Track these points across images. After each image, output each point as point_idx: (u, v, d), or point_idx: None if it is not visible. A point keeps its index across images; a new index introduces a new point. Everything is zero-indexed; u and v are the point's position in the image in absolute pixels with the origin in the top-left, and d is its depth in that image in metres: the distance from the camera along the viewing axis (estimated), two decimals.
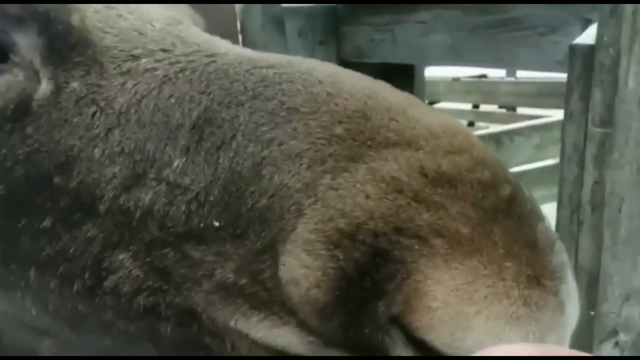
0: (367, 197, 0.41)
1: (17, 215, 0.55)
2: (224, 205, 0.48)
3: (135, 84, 0.54)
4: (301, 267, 0.43)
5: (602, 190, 0.86)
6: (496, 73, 9.32)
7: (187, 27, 0.60)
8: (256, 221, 0.47)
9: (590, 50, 0.84)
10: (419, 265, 0.39)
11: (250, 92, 0.50)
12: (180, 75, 0.54)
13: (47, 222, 0.54)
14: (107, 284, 0.54)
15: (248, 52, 0.56)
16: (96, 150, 0.53)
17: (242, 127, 0.49)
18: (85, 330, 0.60)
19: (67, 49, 0.56)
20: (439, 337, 0.38)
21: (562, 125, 0.90)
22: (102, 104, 0.54)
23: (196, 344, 0.54)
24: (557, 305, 0.40)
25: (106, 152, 0.53)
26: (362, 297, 0.41)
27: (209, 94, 0.52)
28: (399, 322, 0.40)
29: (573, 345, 1.01)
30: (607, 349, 0.95)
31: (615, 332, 0.94)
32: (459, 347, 0.38)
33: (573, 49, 0.86)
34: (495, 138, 2.31)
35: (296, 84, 0.49)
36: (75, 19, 0.57)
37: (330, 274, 0.41)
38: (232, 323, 0.49)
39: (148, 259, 0.52)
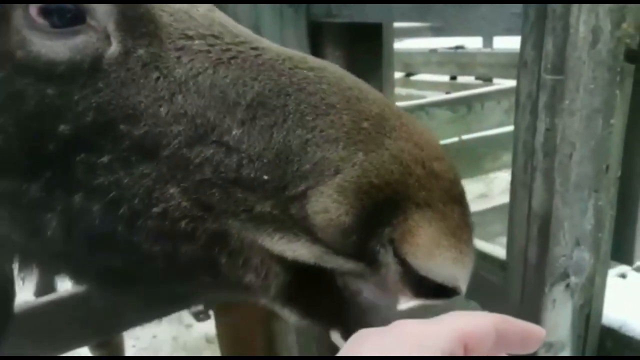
0: (392, 172, 0.61)
1: (77, 150, 0.64)
2: (274, 166, 0.62)
3: (191, 60, 0.65)
4: (333, 202, 0.60)
5: (554, 137, 0.88)
6: (473, 44, 9.32)
7: (220, 14, 0.72)
8: (298, 178, 0.62)
9: None
10: (415, 218, 0.60)
11: (296, 86, 0.64)
12: (232, 61, 0.66)
13: (105, 159, 0.64)
14: (156, 210, 0.65)
15: (285, 50, 0.70)
16: (162, 109, 0.64)
17: (291, 115, 0.63)
18: (103, 250, 0.69)
19: (135, 20, 0.65)
20: (416, 260, 0.59)
21: (517, 74, 0.92)
22: (164, 71, 0.65)
23: (210, 262, 0.67)
24: (471, 248, 0.63)
25: (171, 112, 0.64)
26: (375, 224, 0.60)
27: (260, 81, 0.64)
28: (394, 245, 0.60)
29: (527, 287, 1.06)
30: (558, 291, 0.99)
31: (566, 275, 0.98)
32: (426, 269, 0.60)
33: None
34: (467, 102, 2.33)
35: (333, 87, 0.65)
36: None
37: (356, 207, 0.60)
38: (259, 241, 0.65)
39: (195, 196, 0.64)
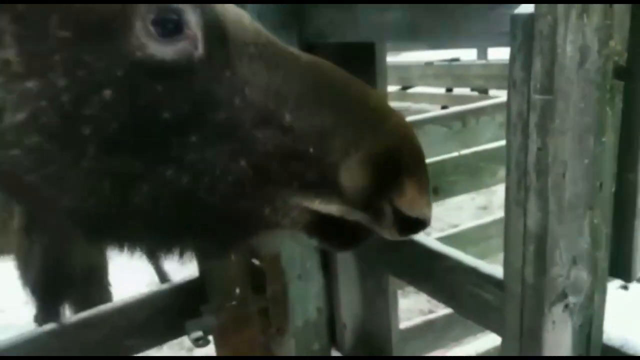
0: (391, 146, 0.91)
1: (174, 133, 0.82)
2: (316, 142, 0.87)
3: (249, 63, 0.86)
4: (357, 171, 0.89)
5: (546, 156, 0.88)
6: (468, 56, 9.36)
7: (258, 24, 0.95)
8: (332, 151, 0.88)
9: (531, 18, 0.85)
10: (405, 183, 0.91)
11: (326, 84, 0.92)
12: (281, 65, 0.89)
13: (194, 139, 0.83)
14: (230, 178, 0.85)
15: (313, 57, 0.96)
16: (236, 100, 0.85)
17: (324, 105, 0.89)
18: (182, 209, 0.87)
19: (214, 30, 0.84)
20: (406, 208, 0.91)
21: (507, 94, 0.91)
22: (233, 71, 0.85)
23: (258, 212, 0.91)
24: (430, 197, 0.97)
25: (242, 102, 0.85)
26: (382, 187, 0.90)
27: (302, 80, 0.90)
28: (390, 200, 0.92)
29: (526, 307, 1.06)
30: (557, 311, 0.98)
31: (564, 295, 0.97)
32: (411, 212, 0.92)
33: (514, 18, 0.88)
34: (462, 118, 2.33)
35: (349, 85, 0.95)
36: (218, 9, 0.87)
37: (371, 174, 0.89)
38: (302, 203, 0.91)
39: (260, 167, 0.86)
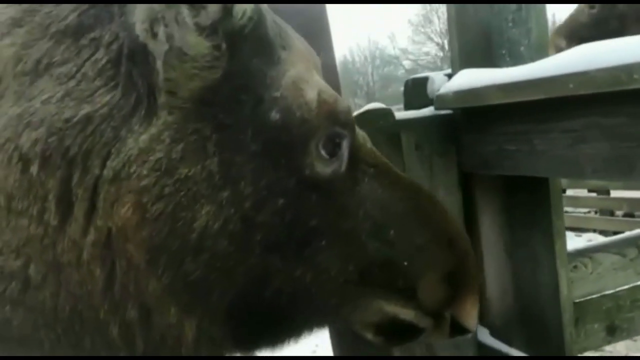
0: (462, 264, 1.09)
1: (313, 237, 0.92)
2: (410, 256, 1.02)
3: (370, 182, 1.00)
4: (435, 283, 1.06)
5: None
6: None
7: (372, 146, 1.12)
8: (419, 265, 1.04)
9: None
10: (464, 300, 1.07)
11: (422, 207, 1.07)
12: (390, 186, 1.03)
13: (324, 242, 0.93)
14: (340, 279, 0.95)
15: (411, 179, 1.13)
16: (360, 212, 0.98)
17: (420, 226, 1.05)
18: (298, 303, 0.94)
19: (353, 151, 0.97)
20: (462, 320, 1.05)
21: None
22: (361, 187, 0.99)
23: (339, 307, 0.99)
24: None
25: (364, 215, 0.97)
26: (450, 300, 1.07)
27: (405, 202, 1.04)
28: (451, 311, 1.06)
29: None
30: None
31: None
32: (465, 324, 1.06)
33: None
34: (637, 243, 2.01)
35: (435, 206, 1.10)
36: (360, 133, 1.03)
37: (444, 288, 1.08)
38: (383, 307, 1.03)
39: (362, 272, 0.98)
